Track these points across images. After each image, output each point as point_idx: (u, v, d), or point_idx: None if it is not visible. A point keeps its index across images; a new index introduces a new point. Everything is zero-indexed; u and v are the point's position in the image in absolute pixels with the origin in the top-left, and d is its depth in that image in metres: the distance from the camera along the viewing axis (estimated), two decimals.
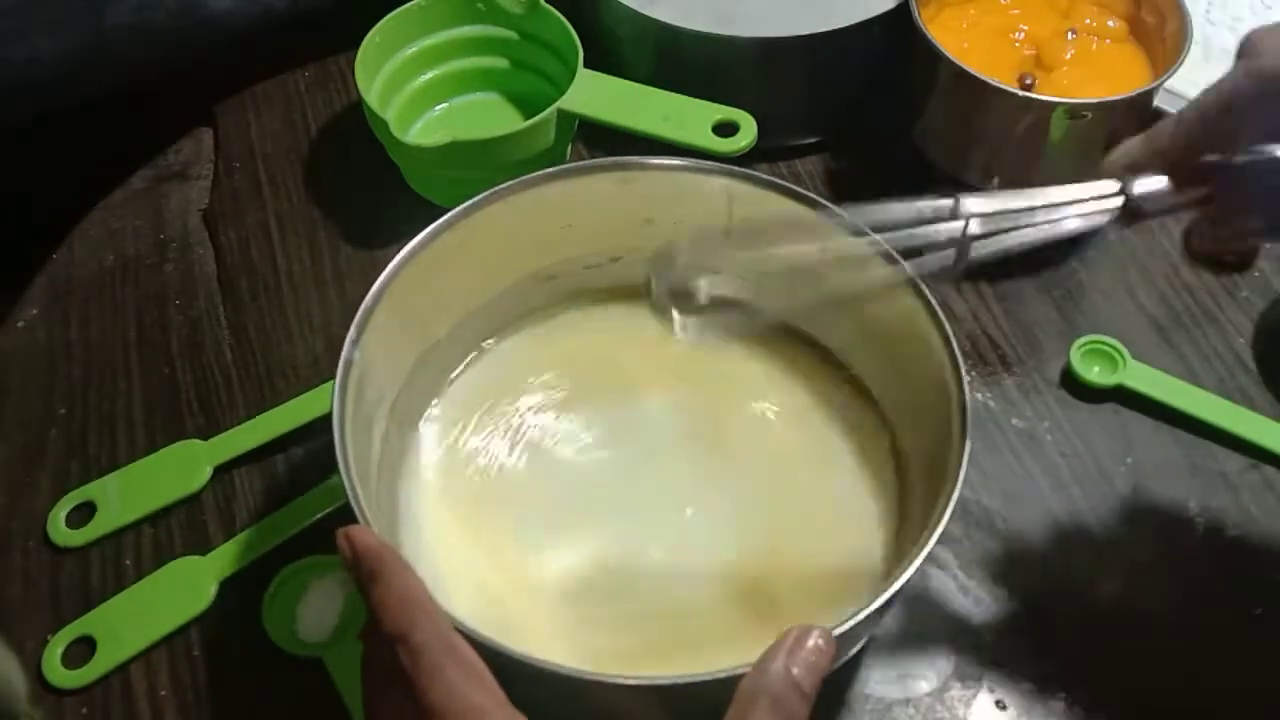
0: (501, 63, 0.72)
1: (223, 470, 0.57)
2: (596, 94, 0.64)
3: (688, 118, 0.63)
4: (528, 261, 0.56)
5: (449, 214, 0.51)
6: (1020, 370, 0.61)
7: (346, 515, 0.42)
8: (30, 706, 0.45)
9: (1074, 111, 0.59)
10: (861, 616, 0.40)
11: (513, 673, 0.38)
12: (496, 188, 0.52)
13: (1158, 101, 0.63)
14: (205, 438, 0.58)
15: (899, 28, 0.63)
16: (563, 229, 0.55)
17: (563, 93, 0.64)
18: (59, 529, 0.55)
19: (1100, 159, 0.63)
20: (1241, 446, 0.57)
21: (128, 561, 0.54)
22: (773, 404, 0.55)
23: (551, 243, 0.55)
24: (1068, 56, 0.63)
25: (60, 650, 0.51)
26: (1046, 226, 0.41)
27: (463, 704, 0.35)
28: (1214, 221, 0.42)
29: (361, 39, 0.66)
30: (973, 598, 0.53)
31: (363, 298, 0.48)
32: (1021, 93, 0.61)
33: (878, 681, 0.51)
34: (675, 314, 0.43)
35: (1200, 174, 0.41)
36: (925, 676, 0.51)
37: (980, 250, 0.41)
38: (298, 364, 0.61)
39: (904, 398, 0.52)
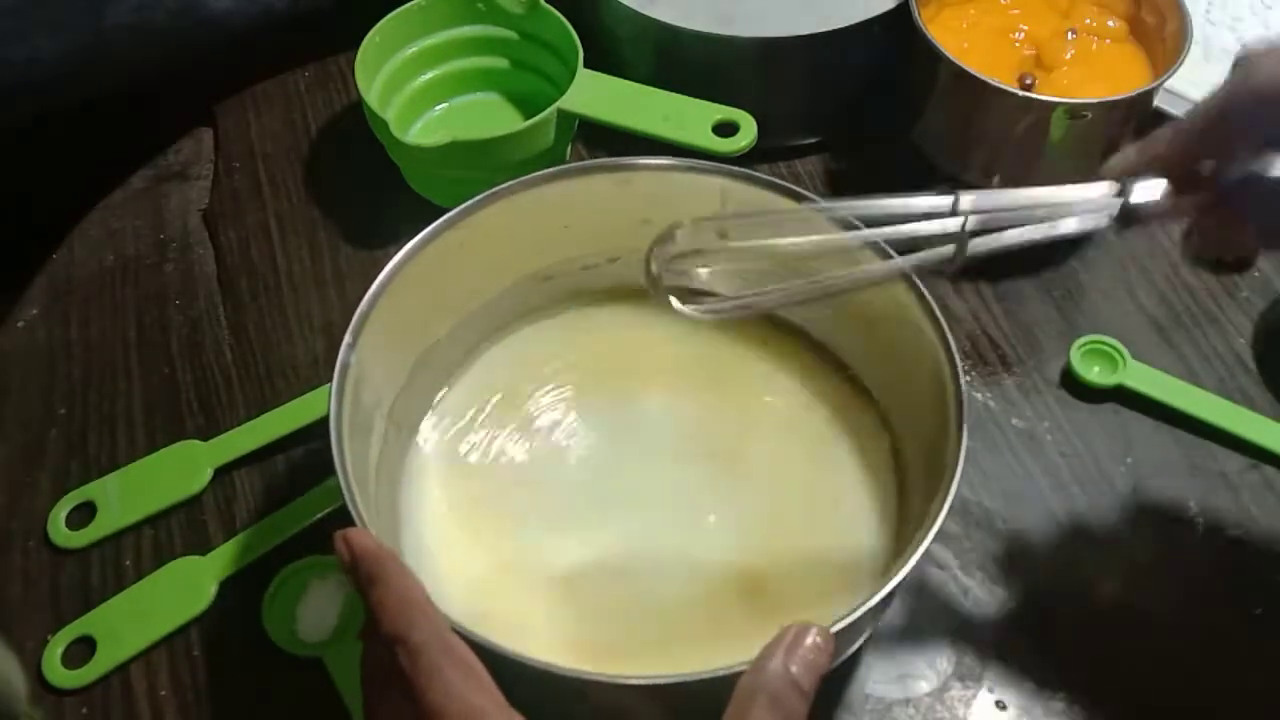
0: (501, 63, 0.72)
1: (223, 471, 0.57)
2: (596, 94, 0.64)
3: (688, 118, 0.63)
4: (526, 262, 0.56)
5: (446, 215, 0.51)
6: (1020, 370, 0.61)
7: (347, 516, 0.42)
8: (30, 706, 0.45)
9: (1074, 111, 0.59)
10: (859, 613, 0.40)
11: (512, 673, 0.38)
12: (495, 189, 0.52)
13: (1158, 101, 0.63)
14: (205, 438, 0.58)
15: (899, 28, 0.63)
16: (561, 229, 0.55)
17: (563, 93, 0.64)
18: (59, 529, 0.55)
19: (1100, 159, 0.63)
20: (1241, 446, 0.57)
21: (128, 562, 0.54)
22: (773, 403, 0.55)
23: (550, 243, 0.55)
24: (1068, 56, 0.63)
25: (60, 650, 0.51)
26: (1044, 226, 0.41)
27: (461, 704, 0.35)
28: (1209, 227, 0.43)
29: (361, 39, 0.66)
30: (973, 598, 0.53)
31: (362, 298, 0.48)
32: (1021, 93, 0.61)
33: (878, 681, 0.51)
34: (672, 298, 0.43)
35: (1197, 181, 0.41)
36: (925, 676, 0.51)
37: (977, 247, 0.41)
38: (298, 364, 0.61)
39: (903, 396, 0.52)
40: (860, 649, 0.51)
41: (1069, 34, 0.64)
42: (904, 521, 0.50)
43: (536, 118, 0.63)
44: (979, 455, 0.57)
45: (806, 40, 0.64)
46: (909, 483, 0.51)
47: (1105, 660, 0.51)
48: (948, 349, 0.47)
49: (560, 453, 0.54)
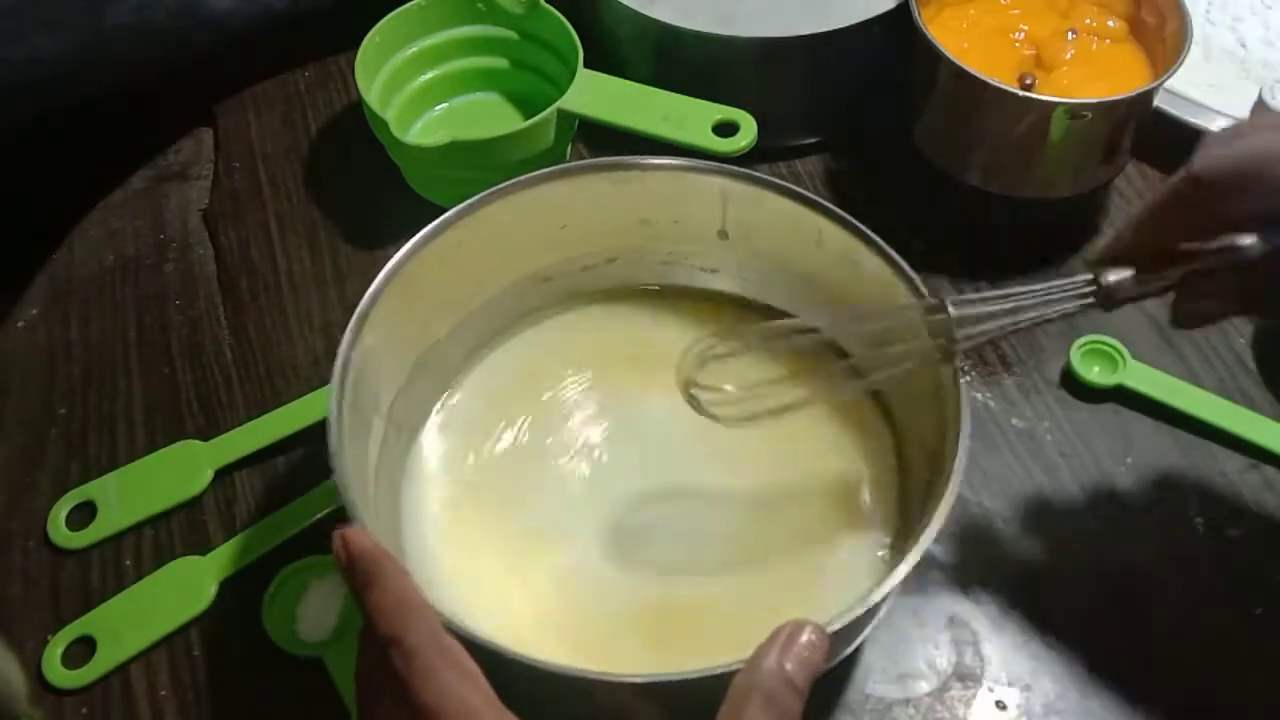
0: (501, 63, 0.72)
1: (223, 471, 0.57)
2: (596, 94, 0.64)
3: (688, 118, 0.63)
4: (526, 262, 0.56)
5: (445, 215, 0.51)
6: (1020, 370, 0.61)
7: (347, 515, 0.42)
8: (30, 706, 0.45)
9: (1074, 111, 0.59)
10: (856, 613, 0.40)
11: (508, 672, 0.38)
12: (494, 188, 0.52)
13: (1158, 101, 0.63)
14: (205, 438, 0.58)
15: (899, 28, 0.63)
16: (560, 230, 0.55)
17: (563, 93, 0.64)
18: (59, 529, 0.55)
19: (1100, 159, 0.64)
20: (1241, 446, 0.57)
21: (128, 562, 0.54)
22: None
23: (549, 243, 0.55)
24: (1068, 56, 0.63)
25: (60, 650, 0.51)
26: (1029, 313, 0.45)
27: (456, 705, 0.35)
28: (1186, 301, 0.46)
29: (361, 39, 0.66)
30: (972, 597, 0.53)
31: (362, 297, 0.48)
32: (1021, 93, 0.61)
33: (878, 681, 0.51)
34: (709, 409, 0.46)
35: (1169, 261, 0.44)
36: (925, 676, 0.51)
37: (970, 334, 0.44)
38: (298, 364, 0.61)
39: (907, 397, 0.52)
40: (860, 649, 0.51)
41: (1069, 34, 0.64)
42: (905, 521, 0.50)
43: (536, 118, 0.63)
44: (979, 455, 0.57)
45: (806, 40, 0.64)
46: (911, 483, 0.51)
47: (1105, 660, 0.51)
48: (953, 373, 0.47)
49: (560, 453, 0.54)
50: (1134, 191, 0.68)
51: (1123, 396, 0.59)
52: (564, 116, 0.64)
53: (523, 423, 0.55)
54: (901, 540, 0.50)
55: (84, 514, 0.56)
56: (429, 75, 0.70)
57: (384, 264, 0.49)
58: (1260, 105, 0.64)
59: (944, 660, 0.51)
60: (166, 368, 0.61)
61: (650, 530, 0.52)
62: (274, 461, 0.57)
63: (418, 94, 0.70)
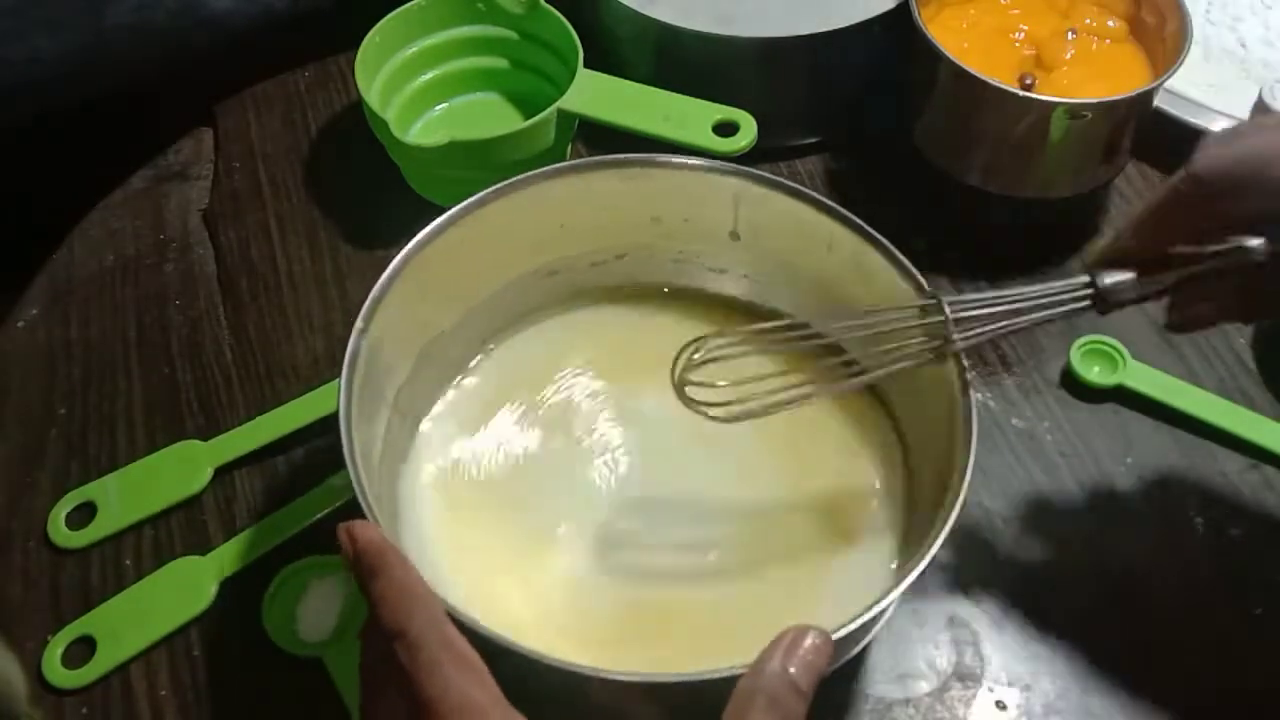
0: (501, 63, 0.72)
1: (223, 471, 0.57)
2: (596, 94, 0.64)
3: (688, 118, 0.63)
4: (534, 257, 0.56)
5: (459, 206, 0.51)
6: (1020, 370, 0.61)
7: (347, 515, 0.42)
8: (30, 706, 0.45)
9: (1074, 111, 0.59)
10: (860, 620, 0.40)
11: (511, 666, 0.38)
12: (504, 182, 0.52)
13: (1158, 101, 0.63)
14: (205, 438, 0.58)
15: (899, 28, 0.63)
16: (568, 226, 0.55)
17: (563, 93, 0.64)
18: (59, 529, 0.55)
19: (1100, 159, 0.64)
20: (1241, 446, 0.57)
21: (128, 562, 0.54)
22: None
23: (557, 239, 0.55)
24: (1068, 56, 0.63)
25: (60, 650, 0.51)
26: (1026, 316, 0.45)
27: (458, 699, 0.35)
28: (1184, 305, 0.46)
29: (361, 39, 0.66)
30: (973, 597, 0.53)
31: (363, 298, 0.48)
32: (1021, 93, 0.61)
33: (878, 681, 0.51)
34: (704, 409, 0.46)
35: (1165, 264, 0.44)
36: (925, 676, 0.51)
37: (966, 336, 0.44)
38: (298, 364, 0.61)
39: (916, 407, 0.52)
40: (861, 650, 0.51)
41: (1069, 34, 0.64)
42: (911, 528, 0.50)
43: (536, 118, 0.63)
44: (979, 455, 0.56)
45: (806, 40, 0.64)
46: (917, 493, 0.51)
47: (1105, 660, 0.51)
48: (959, 367, 0.47)
49: (564, 449, 0.54)
50: (1134, 191, 0.68)
51: (1123, 396, 0.59)
52: (564, 116, 0.64)
53: (526, 420, 0.55)
54: (906, 546, 0.50)
55: (84, 514, 0.56)
56: (429, 75, 0.70)
57: (384, 264, 0.49)
58: (1260, 105, 0.64)
59: (944, 660, 0.51)
60: (166, 368, 0.61)
61: (652, 531, 0.51)
62: (274, 461, 0.57)
63: (418, 94, 0.70)
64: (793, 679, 0.36)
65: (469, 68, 0.71)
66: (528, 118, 0.63)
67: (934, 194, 0.67)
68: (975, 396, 0.59)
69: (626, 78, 0.65)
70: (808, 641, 0.37)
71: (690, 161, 0.54)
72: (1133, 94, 0.59)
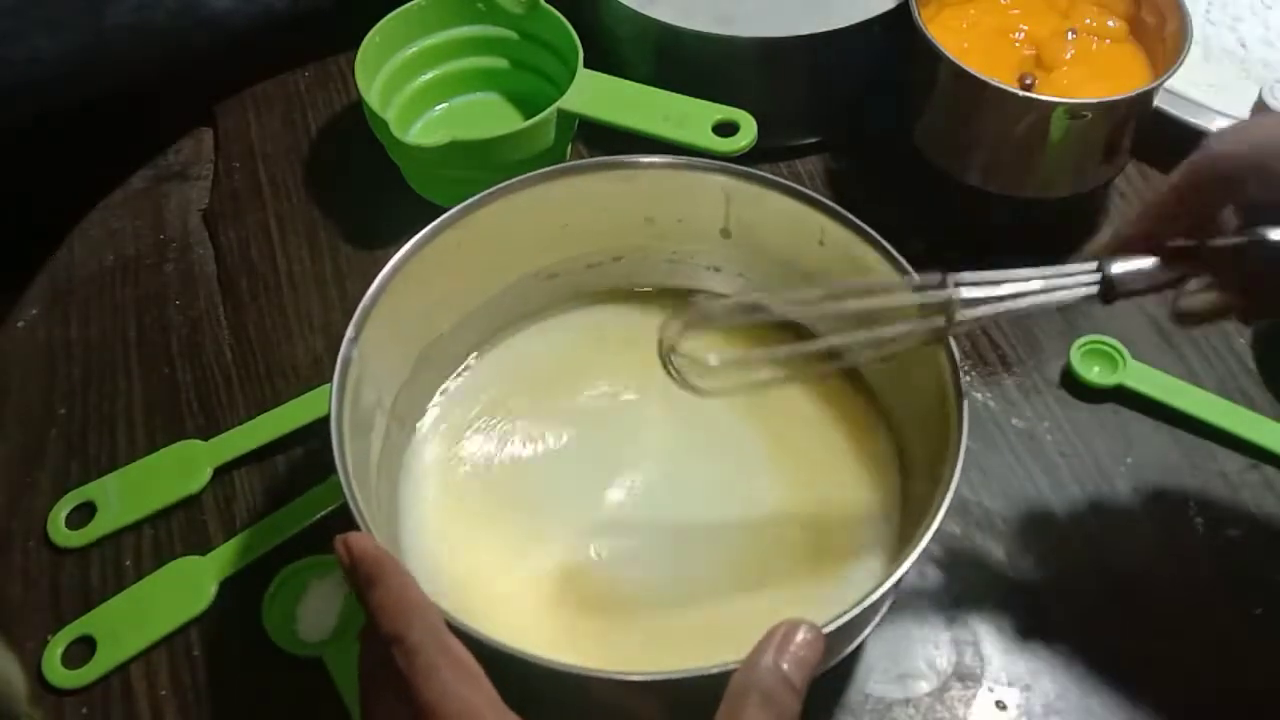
0: (501, 63, 0.72)
1: (223, 471, 0.57)
2: (596, 94, 0.64)
3: (688, 118, 0.63)
4: (529, 261, 0.56)
5: (447, 213, 0.51)
6: (1020, 370, 0.61)
7: (347, 515, 0.42)
8: (30, 706, 0.45)
9: (1074, 111, 0.59)
10: (853, 613, 0.40)
11: (507, 669, 0.38)
12: (496, 187, 0.52)
13: (1158, 101, 0.63)
14: (205, 438, 0.58)
15: (899, 28, 0.63)
16: (563, 228, 0.55)
17: (563, 93, 0.64)
18: (59, 529, 0.55)
19: (1100, 159, 0.64)
20: (1241, 446, 0.57)
21: (128, 562, 0.54)
22: (778, 404, 0.55)
23: (552, 242, 0.55)
24: (1068, 56, 0.63)
25: (60, 650, 0.51)
26: (1029, 298, 0.44)
27: (457, 703, 0.35)
28: (1189, 296, 0.46)
29: (361, 39, 0.66)
30: (973, 597, 0.53)
31: (364, 295, 0.48)
32: (1021, 93, 0.61)
33: (878, 681, 0.51)
34: (688, 379, 0.45)
35: (1176, 255, 0.44)
36: (925, 676, 0.51)
37: (967, 316, 0.43)
38: (298, 364, 0.61)
39: (907, 400, 0.52)
40: (860, 649, 0.51)
41: (1069, 34, 0.64)
42: (906, 524, 0.50)
43: (536, 118, 0.63)
44: (979, 455, 0.57)
45: (807, 40, 0.64)
46: (911, 486, 0.51)
47: (1105, 660, 0.51)
48: (950, 355, 0.47)
49: (562, 450, 0.54)
50: (1134, 191, 0.68)
51: (1123, 396, 0.59)
52: (564, 116, 0.64)
53: (525, 421, 0.55)
54: (902, 542, 0.50)
55: (84, 514, 0.56)
56: (429, 75, 0.70)
57: (384, 264, 0.49)
58: (1260, 105, 0.64)
59: (944, 660, 0.51)
60: (166, 368, 0.61)
61: (651, 527, 0.51)
62: (274, 461, 0.57)
63: (418, 94, 0.70)
64: (786, 674, 0.36)
65: (469, 68, 0.71)
66: (528, 118, 0.63)
67: (934, 194, 0.67)
68: (975, 396, 0.59)
69: (626, 78, 0.65)
70: (799, 636, 0.37)
71: (677, 160, 0.54)
72: (1133, 94, 0.59)
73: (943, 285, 0.44)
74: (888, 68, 0.66)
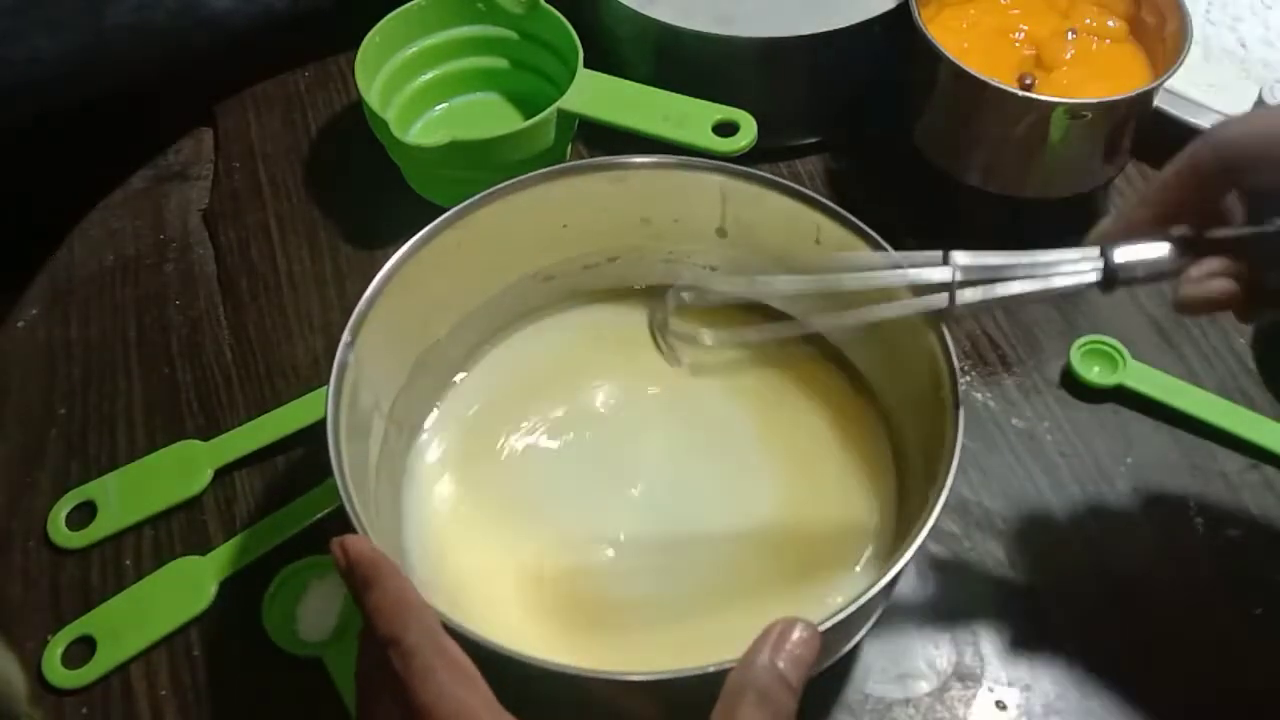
0: (501, 63, 0.72)
1: (223, 471, 0.57)
2: (596, 94, 0.64)
3: (688, 118, 0.63)
4: (526, 262, 0.56)
5: (444, 215, 0.51)
6: (1020, 370, 0.61)
7: (346, 516, 0.42)
8: (30, 706, 0.45)
9: (1074, 111, 0.59)
10: (849, 611, 0.40)
11: (505, 670, 0.38)
12: (493, 188, 0.52)
13: (1158, 101, 0.63)
14: (205, 438, 0.58)
15: (899, 28, 0.63)
16: (560, 229, 0.55)
17: (563, 93, 0.64)
18: (59, 529, 0.55)
19: (1100, 159, 0.64)
20: (1241, 446, 0.57)
21: (128, 561, 0.54)
22: (776, 402, 0.55)
23: (550, 243, 0.55)
24: (1068, 56, 0.63)
25: (60, 650, 0.51)
26: (1030, 282, 0.43)
27: (453, 705, 0.35)
28: (1192, 283, 0.44)
29: (361, 39, 0.66)
30: (972, 598, 0.53)
31: (361, 298, 0.48)
32: (1021, 93, 0.61)
33: (878, 681, 0.51)
34: (679, 355, 0.45)
35: (1181, 241, 0.43)
36: (925, 676, 0.51)
37: (967, 298, 0.43)
38: (298, 364, 0.61)
39: (903, 396, 0.52)
40: (859, 648, 0.51)
41: (1069, 34, 0.64)
42: (903, 524, 0.50)
43: (536, 118, 0.63)
44: (979, 455, 0.57)
45: (806, 40, 0.64)
46: (909, 484, 0.51)
47: (1105, 660, 0.51)
48: (945, 349, 0.47)
49: (562, 452, 0.54)
50: (1134, 192, 0.68)
51: (1123, 396, 0.59)
52: (564, 116, 0.64)
53: (524, 423, 0.55)
54: (899, 540, 0.50)
55: (84, 514, 0.56)
56: (429, 75, 0.70)
57: (384, 264, 0.49)
58: (1260, 105, 0.64)
59: (944, 660, 0.51)
60: (166, 368, 0.61)
61: (650, 529, 0.51)
62: (274, 461, 0.57)
63: (418, 94, 0.70)
64: (781, 673, 0.36)
65: (469, 68, 0.71)
66: (528, 118, 0.63)
67: (934, 194, 0.67)
68: (975, 396, 0.59)
69: (626, 78, 0.65)
70: (795, 635, 0.37)
71: (673, 160, 0.54)
72: (1133, 94, 0.59)
73: (945, 264, 0.43)
74: (888, 68, 0.66)
